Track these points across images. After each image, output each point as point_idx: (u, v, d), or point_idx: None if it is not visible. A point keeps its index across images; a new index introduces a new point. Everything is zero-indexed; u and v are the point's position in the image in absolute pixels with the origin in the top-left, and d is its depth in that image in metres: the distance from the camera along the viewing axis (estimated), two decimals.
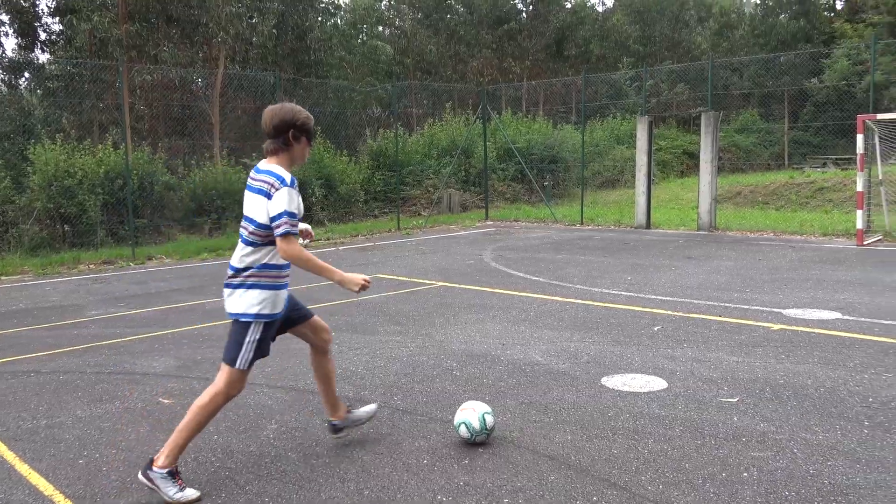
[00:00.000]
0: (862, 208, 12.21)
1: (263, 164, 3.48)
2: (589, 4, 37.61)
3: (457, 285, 9.24)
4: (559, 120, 28.75)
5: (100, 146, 15.99)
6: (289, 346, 6.33)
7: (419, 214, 20.17)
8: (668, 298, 8.11)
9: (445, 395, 4.87)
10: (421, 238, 15.59)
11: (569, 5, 36.44)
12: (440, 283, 9.48)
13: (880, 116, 12.63)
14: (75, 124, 20.69)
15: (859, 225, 12.16)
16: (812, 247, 12.22)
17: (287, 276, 3.56)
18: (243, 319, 3.43)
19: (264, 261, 3.42)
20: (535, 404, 4.63)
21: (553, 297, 8.36)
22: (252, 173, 3.51)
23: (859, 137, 12.22)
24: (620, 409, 4.49)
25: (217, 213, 16.95)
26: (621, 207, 19.94)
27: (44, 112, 21.66)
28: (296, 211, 3.33)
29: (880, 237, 12.61)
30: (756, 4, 38.23)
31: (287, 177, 3.35)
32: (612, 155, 26.75)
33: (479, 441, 3.95)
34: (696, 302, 7.87)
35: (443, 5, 33.55)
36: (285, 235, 3.29)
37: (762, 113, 31.98)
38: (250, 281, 3.41)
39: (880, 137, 13.15)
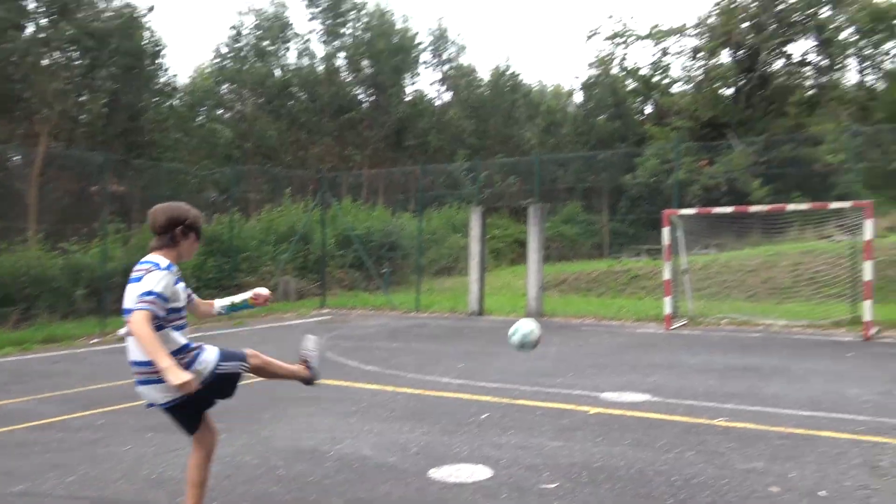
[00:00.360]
0: (669, 295, 13.36)
1: (147, 256, 3.53)
2: (427, 98, 39.40)
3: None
4: (398, 208, 29.43)
5: None
6: (95, 451, 5.91)
7: None
8: (497, 385, 8.38)
9: (267, 497, 4.72)
10: (254, 327, 15.19)
11: (408, 98, 37.96)
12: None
13: (682, 211, 14.05)
14: None
15: (667, 310, 13.27)
16: (627, 331, 13.15)
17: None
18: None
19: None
20: (361, 501, 4.59)
21: (386, 387, 8.39)
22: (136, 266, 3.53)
23: (665, 230, 13.49)
24: (446, 502, 4.55)
25: (26, 302, 15.61)
26: (456, 294, 20.48)
27: None
28: (164, 293, 3.34)
29: (685, 322, 13.80)
30: (578, 106, 41.72)
31: (164, 262, 3.42)
32: (449, 243, 27.59)
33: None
34: (522, 388, 8.18)
35: (285, 92, 33.85)
36: (142, 310, 3.27)
37: (585, 205, 34.46)
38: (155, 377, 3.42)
39: (683, 231, 14.57)
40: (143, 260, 3.53)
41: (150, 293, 3.31)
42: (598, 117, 37.98)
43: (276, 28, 34.75)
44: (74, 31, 19.72)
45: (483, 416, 6.88)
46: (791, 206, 13.88)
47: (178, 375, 3.30)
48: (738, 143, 29.62)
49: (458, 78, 41.21)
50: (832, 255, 16.04)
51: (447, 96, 41.53)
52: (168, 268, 3.41)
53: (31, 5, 20.13)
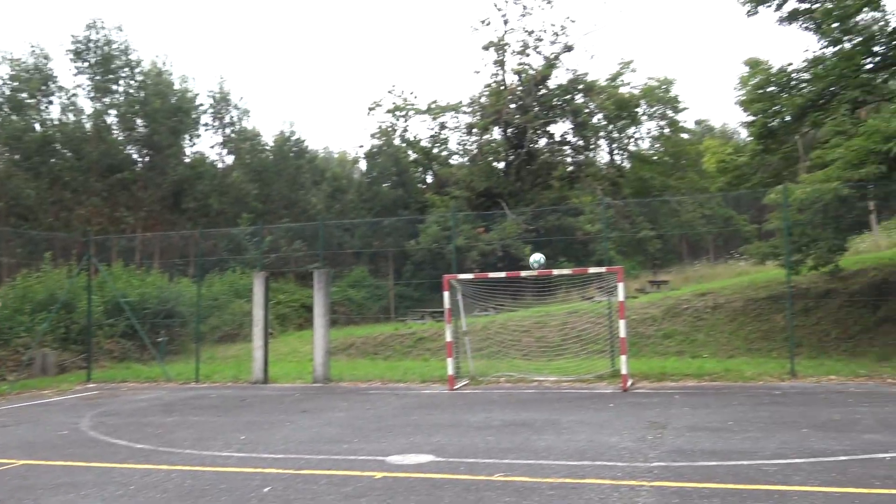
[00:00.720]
0: (451, 356, 13.85)
1: None
2: (208, 160, 38.13)
3: (43, 462, 8.10)
4: (176, 273, 27.90)
5: None
6: None
7: (4, 379, 17.46)
8: (280, 456, 8.11)
9: None
10: (4, 407, 13.46)
11: (187, 160, 36.50)
12: (21, 462, 8.22)
13: (461, 276, 14.75)
14: None
15: (450, 371, 13.73)
16: (413, 393, 13.40)
17: None
18: None
19: None
20: None
21: (159, 466, 7.79)
22: None
23: (445, 294, 14.06)
24: None
25: None
26: (240, 362, 19.71)
27: None
28: None
29: (467, 381, 14.36)
30: (362, 173, 42.61)
31: None
32: (232, 309, 26.59)
33: None
34: (307, 457, 7.99)
35: (46, 149, 31.06)
36: None
37: (371, 269, 34.96)
38: None
39: (463, 294, 15.27)
40: None
41: None
42: (383, 185, 38.99)
43: (36, 80, 32.01)
44: None
45: (265, 490, 6.62)
46: (556, 271, 15.13)
47: None
48: (511, 213, 31.89)
49: (241, 141, 40.45)
50: (594, 315, 17.63)
51: (230, 159, 40.54)
52: None
53: None
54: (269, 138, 42.88)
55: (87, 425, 10.82)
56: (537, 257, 13.64)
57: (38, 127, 31.84)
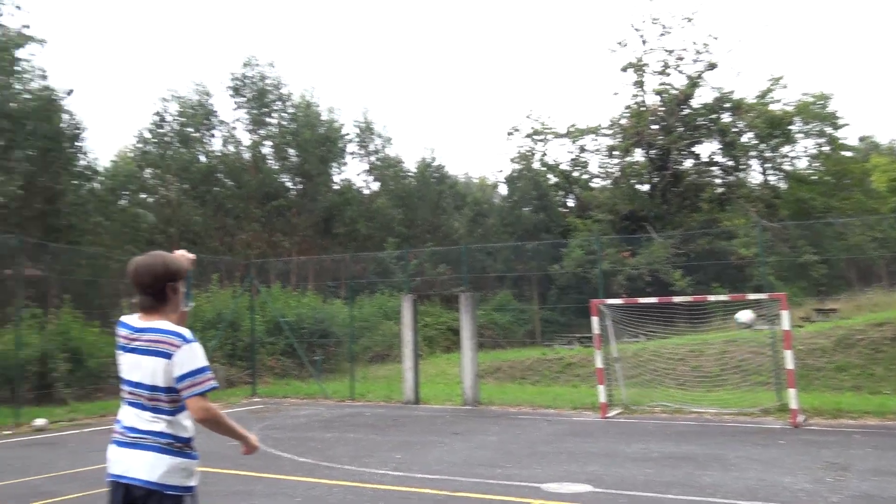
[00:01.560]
0: (602, 383, 13.49)
1: (139, 321, 3.14)
2: (355, 187, 39.73)
3: (219, 471, 8.60)
4: (329, 295, 29.13)
5: None
6: None
7: None
8: (435, 477, 8.17)
9: None
10: None
11: (336, 187, 38.21)
12: (199, 470, 8.77)
13: (609, 301, 14.39)
14: None
15: (602, 398, 13.37)
16: (564, 420, 13.15)
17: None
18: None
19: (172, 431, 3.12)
20: None
21: (321, 480, 8.07)
22: (125, 332, 3.14)
23: (594, 319, 13.75)
24: None
25: None
26: (391, 382, 20.18)
27: None
28: (206, 364, 3.08)
29: (620, 410, 13.92)
30: (503, 197, 42.84)
31: (186, 332, 3.08)
32: (381, 330, 27.37)
33: None
34: (461, 479, 8.00)
35: (210, 178, 33.57)
36: (201, 394, 3.03)
37: (515, 293, 34.92)
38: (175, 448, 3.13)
39: (612, 320, 14.89)
40: (149, 327, 3.09)
41: (199, 371, 3.03)
42: (524, 209, 39.01)
43: (199, 116, 34.75)
44: None
45: None
46: (712, 297, 14.41)
47: (256, 442, 3.45)
48: (658, 236, 30.89)
49: (385, 168, 41.88)
50: (755, 344, 16.63)
51: (375, 185, 42.04)
52: (193, 338, 3.10)
53: None
54: (411, 165, 44.16)
55: (257, 437, 11.39)
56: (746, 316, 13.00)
57: (203, 158, 34.47)
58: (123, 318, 3.24)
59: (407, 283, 20.08)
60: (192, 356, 3.05)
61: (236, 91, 35.55)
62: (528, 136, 41.18)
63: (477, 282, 35.25)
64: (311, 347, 22.96)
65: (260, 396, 18.26)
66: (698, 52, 35.65)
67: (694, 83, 35.67)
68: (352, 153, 40.82)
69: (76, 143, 24.59)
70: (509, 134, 41.97)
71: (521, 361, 21.92)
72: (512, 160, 41.63)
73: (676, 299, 14.35)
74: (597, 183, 40.94)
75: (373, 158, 41.73)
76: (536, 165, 41.01)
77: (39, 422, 13.39)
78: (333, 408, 15.83)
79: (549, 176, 41.48)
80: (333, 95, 78.17)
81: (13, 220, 21.91)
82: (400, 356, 26.68)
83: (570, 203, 42.55)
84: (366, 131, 41.12)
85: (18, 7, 20.99)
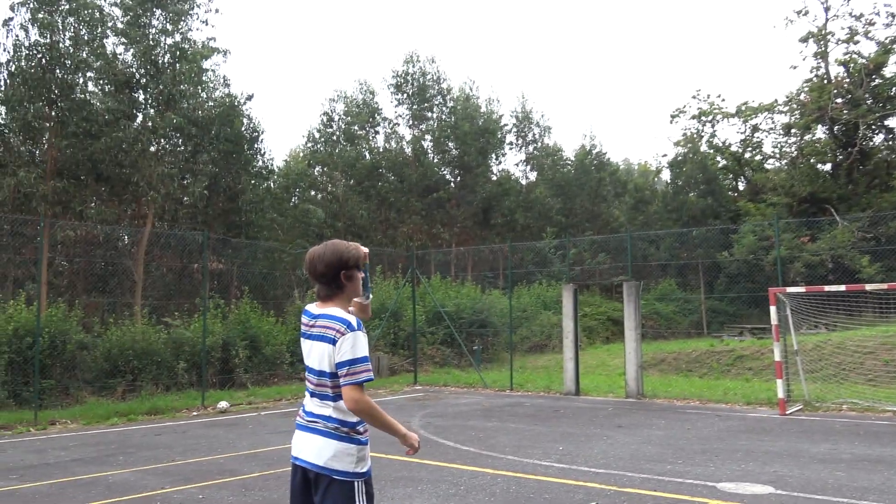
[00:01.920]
0: (781, 377, 12.52)
1: (316, 308, 3.20)
2: (513, 177, 39.67)
3: (383, 456, 8.81)
4: (487, 285, 29.29)
5: (11, 302, 15.27)
6: None
7: None
8: (601, 471, 7.90)
9: None
10: None
11: (494, 178, 38.34)
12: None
13: (790, 289, 13.31)
14: None
15: (780, 394, 12.41)
16: (738, 415, 12.34)
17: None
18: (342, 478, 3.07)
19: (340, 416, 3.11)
20: None
21: (484, 469, 8.03)
22: (305, 319, 3.23)
23: (772, 309, 12.77)
24: None
25: (133, 374, 16.11)
26: (550, 373, 19.97)
27: None
28: (366, 354, 3.02)
29: (800, 406, 12.87)
30: (667, 183, 41.10)
31: (352, 320, 3.04)
32: (540, 320, 27.16)
33: None
34: (629, 475, 7.68)
35: (374, 174, 34.81)
36: (354, 384, 2.97)
37: (679, 283, 33.41)
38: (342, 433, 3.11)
39: (792, 309, 13.78)
40: (317, 312, 3.17)
41: (354, 362, 2.96)
42: (689, 194, 37.17)
43: (364, 114, 36.08)
44: (179, 120, 20.95)
45: None
46: None
47: (415, 438, 3.26)
48: (842, 219, 28.35)
49: (544, 158, 41.50)
50: None
51: (533, 175, 41.77)
52: (359, 327, 3.05)
53: (141, 97, 21.61)
54: (570, 153, 43.44)
55: (418, 424, 11.64)
56: None
57: (367, 155, 35.79)
58: (307, 306, 3.30)
59: (567, 272, 19.67)
60: (353, 345, 3.01)
61: (398, 88, 36.58)
62: (695, 117, 39.27)
63: (639, 271, 34.04)
64: (470, 337, 23.20)
65: (421, 384, 18.66)
66: (892, 16, 32.29)
67: (887, 50, 32.32)
68: (510, 143, 40.85)
69: (255, 146, 26.33)
70: (673, 116, 40.24)
71: (687, 353, 20.91)
72: (676, 143, 39.88)
73: (868, 287, 13.01)
74: (771, 164, 38.30)
75: (531, 148, 41.49)
76: (703, 148, 39.00)
77: (222, 404, 14.44)
78: (493, 397, 15.85)
79: (718, 158, 39.32)
80: (492, 86, 78.70)
81: (200, 219, 23.84)
82: (558, 346, 26.49)
83: (741, 186, 40.11)
84: (524, 121, 40.96)
85: (205, 22, 22.68)
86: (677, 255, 34.29)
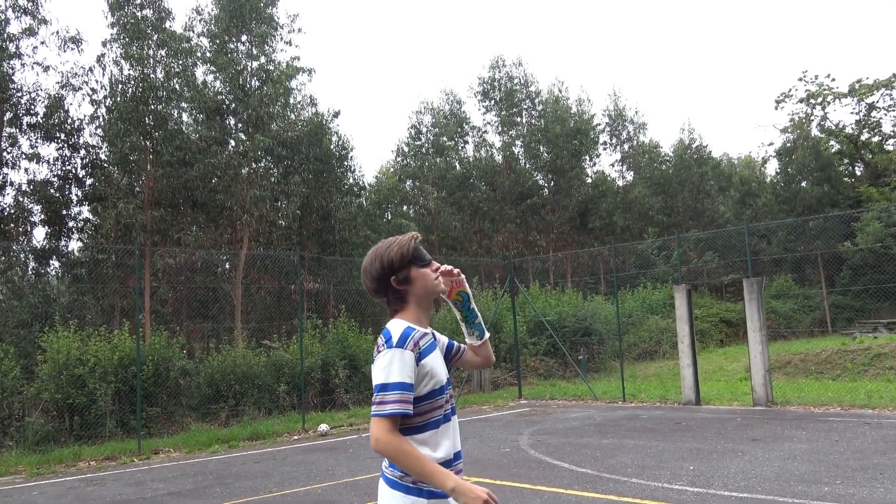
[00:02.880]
0: None
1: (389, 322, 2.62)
2: (609, 179, 38.25)
3: (492, 482, 8.03)
4: (588, 291, 28.11)
5: (115, 332, 15.46)
6: None
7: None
8: (745, 495, 6.84)
9: None
10: None
11: (589, 180, 37.07)
12: (472, 479, 8.27)
13: None
14: (98, 310, 20.43)
15: None
16: (891, 423, 10.86)
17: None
18: None
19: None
20: None
21: (608, 496, 7.12)
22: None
23: None
24: None
25: (235, 398, 16.00)
26: (663, 381, 18.70)
27: (69, 298, 21.53)
28: (404, 380, 2.34)
29: None
30: (776, 173, 38.65)
31: (396, 334, 2.42)
32: (647, 325, 25.79)
33: None
34: (781, 500, 6.59)
35: (465, 184, 34.21)
36: (379, 418, 2.32)
37: (796, 278, 31.16)
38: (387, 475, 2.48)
39: None
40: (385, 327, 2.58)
41: (384, 388, 2.34)
42: (801, 183, 34.74)
43: (452, 124, 35.61)
44: (268, 142, 20.98)
45: None
46: None
47: (474, 495, 2.29)
48: None
49: (640, 156, 39.88)
50: None
51: (630, 175, 40.20)
52: (401, 342, 2.38)
53: (231, 122, 21.81)
54: (667, 148, 41.63)
55: (527, 443, 10.78)
56: None
57: (457, 165, 35.27)
58: None
59: (678, 272, 18.38)
60: (384, 366, 2.36)
61: (485, 95, 35.95)
62: (803, 100, 36.79)
63: (751, 267, 31.99)
64: (574, 346, 22.12)
65: (526, 398, 17.76)
66: None
67: None
68: (603, 144, 39.48)
69: (344, 163, 26.26)
70: (779, 101, 37.87)
71: (816, 353, 19.12)
72: (784, 130, 37.44)
73: None
74: (892, 145, 35.36)
75: (626, 147, 39.98)
76: (814, 132, 36.45)
77: (323, 427, 14.02)
78: (605, 410, 14.79)
79: (832, 143, 36.65)
80: (581, 85, 77.03)
81: (294, 239, 23.86)
82: (669, 352, 25.01)
83: (859, 171, 37.24)
84: (617, 119, 39.53)
85: (288, 43, 22.78)
86: (792, 248, 32.02)
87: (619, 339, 18.31)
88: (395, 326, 2.46)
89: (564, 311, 23.39)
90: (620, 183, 39.38)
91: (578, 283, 30.27)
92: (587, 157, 37.21)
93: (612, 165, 40.42)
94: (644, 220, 36.30)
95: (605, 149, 39.75)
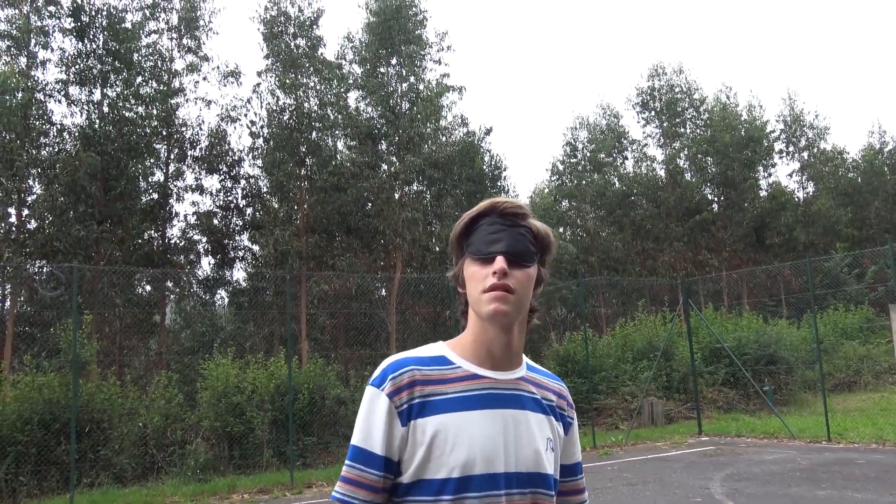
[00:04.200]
0: None
1: None
2: (788, 190, 34.84)
3: None
4: (768, 314, 25.33)
5: (272, 359, 15.32)
6: None
7: (617, 428, 17.38)
8: None
9: None
10: (623, 460, 12.82)
11: (764, 193, 33.96)
12: None
13: None
14: (259, 338, 20.72)
15: None
16: None
17: None
18: None
19: None
20: None
21: None
22: None
23: None
24: None
25: None
26: (871, 417, 16.04)
27: (234, 326, 22.07)
28: (358, 443, 1.46)
29: None
30: None
31: (380, 369, 1.51)
32: (843, 352, 22.73)
33: None
34: None
35: (626, 201, 32.31)
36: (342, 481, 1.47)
37: None
38: None
39: None
40: None
41: (351, 450, 1.47)
42: None
43: (610, 139, 33.91)
44: (420, 163, 20.48)
45: None
46: None
47: None
48: None
49: (822, 164, 36.08)
50: None
51: (811, 186, 36.47)
52: (379, 381, 1.46)
53: (383, 146, 21.58)
54: (855, 153, 37.49)
55: (721, 492, 9.09)
56: None
57: (616, 182, 33.46)
58: None
59: (867, 292, 15.74)
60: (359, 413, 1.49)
61: (644, 106, 34.00)
62: None
63: None
64: (757, 376, 19.68)
65: (707, 434, 15.74)
66: None
67: None
68: (779, 152, 36.10)
69: (498, 183, 25.45)
70: None
71: None
72: None
73: None
74: None
75: (805, 155, 36.37)
76: None
77: None
78: (807, 451, 12.61)
79: None
80: (751, 89, 72.22)
81: (448, 261, 23.22)
82: (872, 383, 21.79)
83: None
84: (794, 124, 36.09)
85: (438, 62, 22.40)
86: None
87: (821, 366, 15.85)
88: (389, 360, 1.53)
89: (744, 337, 20.98)
90: (801, 195, 35.80)
91: (756, 305, 27.47)
92: (761, 168, 34.14)
93: (791, 175, 36.87)
94: (830, 234, 32.69)
95: (781, 158, 36.34)
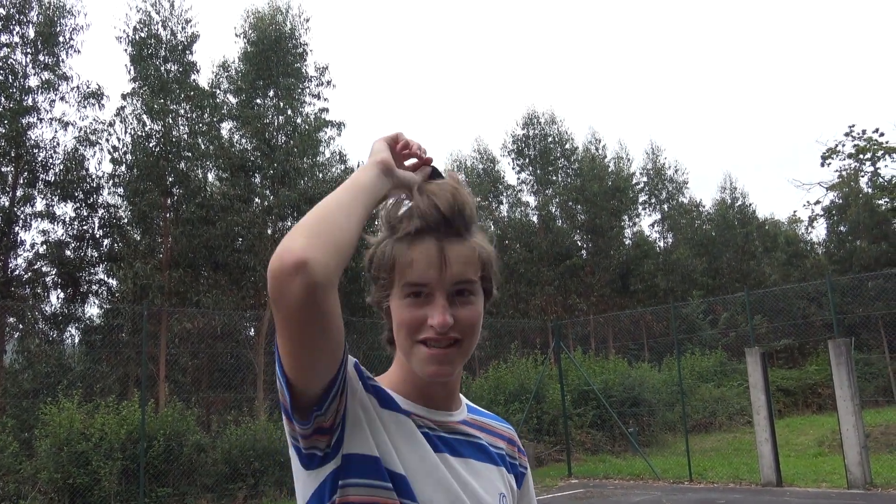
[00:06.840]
0: None
1: None
2: (650, 238, 36.73)
3: None
4: (631, 358, 26.31)
5: (125, 403, 14.11)
6: None
7: None
8: None
9: None
10: None
11: (628, 241, 35.61)
12: None
13: None
14: (113, 379, 19.17)
15: None
16: None
17: None
18: None
19: None
20: None
21: None
22: None
23: None
24: None
25: (254, 477, 14.42)
26: (726, 457, 16.80)
27: (84, 367, 20.32)
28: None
29: None
30: (826, 232, 36.84)
31: None
32: (699, 394, 23.84)
33: None
34: None
35: (501, 245, 32.91)
36: None
37: (855, 343, 29.04)
38: None
39: None
40: None
41: None
42: (856, 242, 32.90)
43: (486, 183, 34.57)
44: (296, 198, 19.91)
45: None
46: None
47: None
48: None
49: (681, 216, 38.37)
50: None
51: (670, 235, 38.63)
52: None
53: (257, 179, 20.82)
54: (709, 204, 40.15)
55: None
56: None
57: (491, 226, 34.04)
58: None
59: (752, 334, 16.69)
60: None
61: (519, 153, 34.91)
62: (851, 156, 35.18)
63: (799, 331, 30.30)
64: (622, 418, 20.24)
65: (577, 476, 15.89)
66: None
67: None
68: (643, 203, 38.05)
69: (375, 223, 25.12)
70: (825, 158, 36.24)
71: (889, 426, 17.11)
72: (832, 188, 35.76)
73: None
74: None
75: (665, 207, 38.52)
76: (864, 189, 34.80)
77: None
78: (671, 491, 12.92)
79: (884, 199, 34.89)
80: (620, 139, 76.18)
81: None
82: (726, 424, 22.96)
83: None
84: (655, 178, 38.19)
85: (317, 96, 22.03)
86: (848, 310, 29.98)
87: (683, 407, 16.46)
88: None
89: (610, 379, 21.59)
90: (661, 244, 37.80)
91: (621, 349, 28.47)
92: (626, 217, 35.82)
93: (652, 226, 38.91)
94: (687, 282, 34.58)
95: (644, 208, 38.33)
